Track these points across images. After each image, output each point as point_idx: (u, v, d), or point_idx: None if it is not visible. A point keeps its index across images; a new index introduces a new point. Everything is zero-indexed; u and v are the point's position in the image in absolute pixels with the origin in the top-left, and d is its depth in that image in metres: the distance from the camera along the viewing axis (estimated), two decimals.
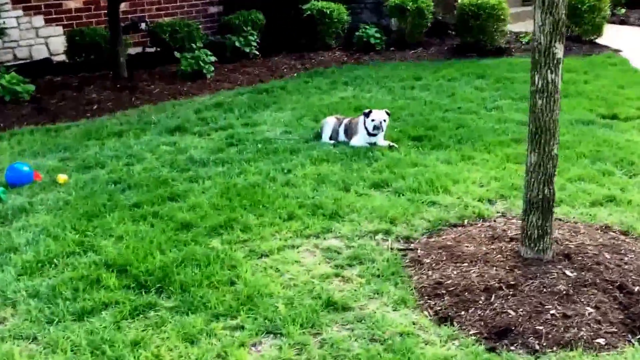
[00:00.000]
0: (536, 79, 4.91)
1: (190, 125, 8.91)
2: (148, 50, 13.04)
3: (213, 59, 11.59)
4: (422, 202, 6.42)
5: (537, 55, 4.86)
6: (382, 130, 7.98)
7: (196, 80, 11.22)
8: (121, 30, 11.25)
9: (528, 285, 4.82)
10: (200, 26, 12.97)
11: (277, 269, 5.29)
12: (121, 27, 11.41)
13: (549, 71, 4.82)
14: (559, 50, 4.79)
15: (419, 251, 5.56)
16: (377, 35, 13.57)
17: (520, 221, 5.95)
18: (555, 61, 4.81)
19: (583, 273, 4.92)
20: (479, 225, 6.02)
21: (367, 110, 8.06)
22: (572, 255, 5.15)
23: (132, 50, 12.94)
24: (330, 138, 8.21)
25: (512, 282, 4.87)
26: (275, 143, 8.09)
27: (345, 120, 8.27)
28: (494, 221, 6.12)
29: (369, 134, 8.00)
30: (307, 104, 9.88)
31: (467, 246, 5.51)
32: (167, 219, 6.10)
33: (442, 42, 14.28)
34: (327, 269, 5.28)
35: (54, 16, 12.37)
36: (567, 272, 4.93)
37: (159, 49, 12.61)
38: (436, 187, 6.71)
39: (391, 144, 8.00)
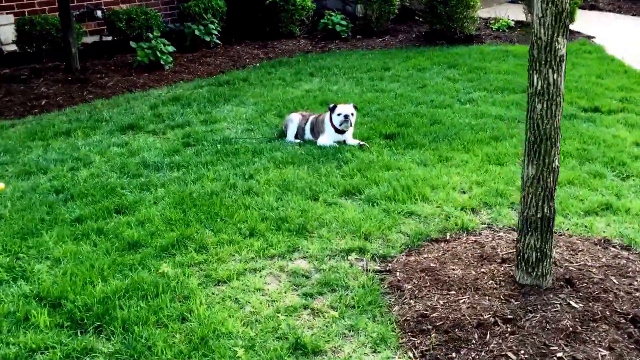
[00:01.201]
0: (535, 79, 4.07)
1: (145, 122, 7.93)
2: (105, 39, 11.97)
3: (171, 48, 10.56)
4: (399, 213, 5.58)
5: (536, 51, 4.02)
6: (351, 125, 7.09)
7: (153, 72, 10.19)
8: (73, 18, 10.17)
9: (528, 319, 4.02)
10: (159, 14, 11.90)
11: (236, 299, 4.42)
12: (73, 14, 10.33)
13: (550, 70, 3.99)
14: (562, 45, 3.96)
15: (398, 274, 4.73)
16: (343, 22, 12.65)
17: (509, 235, 5.17)
18: (557, 59, 3.98)
19: (590, 304, 4.13)
20: (464, 240, 5.21)
21: (331, 105, 7.17)
22: (575, 281, 4.35)
23: (89, 39, 11.86)
24: (296, 136, 7.32)
25: (510, 316, 4.07)
26: (235, 143, 7.17)
27: (311, 117, 7.37)
28: (480, 234, 5.32)
29: (337, 131, 7.12)
30: (270, 97, 8.94)
31: (453, 269, 4.69)
32: (112, 236, 5.17)
33: (409, 29, 13.41)
34: (294, 298, 4.42)
35: (4, 4, 11.20)
36: (572, 303, 4.14)
37: (116, 38, 11.52)
38: (413, 195, 5.88)
39: (361, 142, 7.13)
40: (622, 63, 10.51)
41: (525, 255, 4.35)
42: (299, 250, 5.01)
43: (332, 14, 12.79)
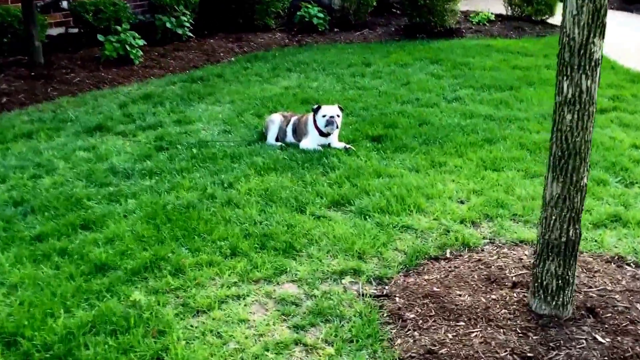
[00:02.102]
0: (565, 86, 3.53)
1: (114, 123, 7.25)
2: (71, 31, 11.18)
3: (141, 42, 9.83)
4: (394, 227, 5.04)
5: (567, 54, 3.48)
6: (337, 128, 6.52)
7: (122, 67, 9.46)
8: (37, 10, 9.39)
9: (551, 358, 3.49)
10: (127, 5, 11.13)
11: (218, 333, 3.83)
12: (37, 5, 9.55)
13: (583, 76, 3.46)
14: (598, 47, 3.42)
15: (397, 299, 4.19)
16: (320, 15, 12.04)
17: (514, 252, 4.65)
18: (593, 63, 3.45)
19: (618, 338, 3.63)
20: (466, 258, 4.68)
21: (315, 106, 6.58)
22: (598, 310, 3.85)
23: (54, 31, 11.06)
24: (277, 139, 6.72)
25: (530, 354, 3.55)
26: (212, 147, 6.54)
27: (294, 118, 6.77)
28: (482, 250, 4.81)
29: (322, 134, 6.54)
30: (247, 95, 8.32)
31: (460, 294, 4.16)
32: (77, 257, 4.54)
33: (388, 22, 12.86)
34: (284, 331, 3.85)
35: None
36: (598, 337, 3.63)
37: (82, 30, 10.74)
38: (408, 206, 5.34)
39: (347, 145, 6.56)
40: (608, 59, 10.08)
41: (544, 283, 3.83)
42: (286, 272, 4.43)
43: (309, 6, 12.17)
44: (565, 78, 3.49)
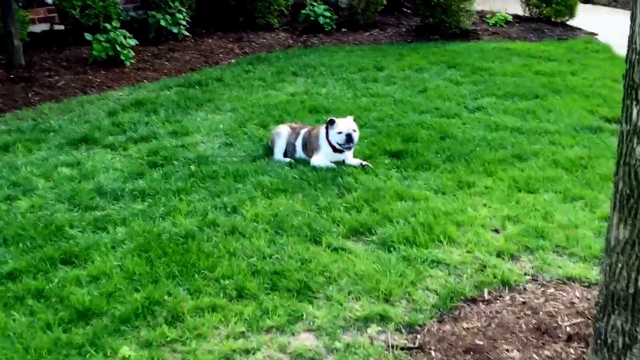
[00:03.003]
0: (635, 112, 2.99)
1: (102, 134, 6.69)
2: (57, 27, 10.60)
3: (133, 42, 9.26)
4: (423, 262, 4.50)
5: (637, 74, 2.93)
6: (354, 144, 5.99)
7: (112, 69, 8.88)
8: (18, 5, 8.82)
9: None
10: (118, 0, 10.52)
11: None
12: (19, 0, 8.98)
13: None
14: None
15: (433, 353, 3.66)
16: (327, 14, 11.48)
17: (563, 293, 4.12)
18: None
19: None
20: (508, 300, 4.16)
21: (329, 119, 6.03)
22: None
23: (37, 28, 10.49)
24: (285, 154, 6.17)
25: None
26: (213, 163, 5.99)
27: (303, 131, 6.23)
28: (525, 290, 4.29)
29: (335, 150, 5.99)
30: (250, 102, 7.76)
31: (507, 349, 3.63)
32: (56, 301, 3.99)
33: (398, 22, 12.32)
34: None
35: None
36: None
37: (69, 27, 10.17)
38: (437, 236, 4.80)
39: (364, 163, 6.02)
40: None
41: (608, 340, 3.29)
42: (302, 319, 3.89)
43: (315, 3, 11.62)
44: (634, 103, 2.95)
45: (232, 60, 9.74)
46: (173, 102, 7.67)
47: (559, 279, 4.41)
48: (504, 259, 4.61)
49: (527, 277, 4.43)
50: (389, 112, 7.52)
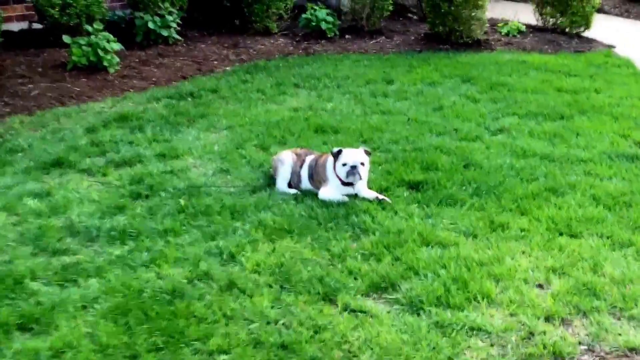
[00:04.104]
0: None
1: (78, 155, 5.85)
2: (36, 26, 9.74)
3: (118, 46, 8.41)
4: (459, 329, 3.76)
5: None
6: (361, 178, 5.20)
7: (94, 76, 8.02)
8: None
9: None
10: None
11: None
12: None
13: None
14: None
15: None
16: (329, 19, 10.67)
17: None
18: None
19: None
20: None
21: (335, 150, 5.25)
22: None
23: (14, 26, 9.66)
24: (290, 184, 5.38)
25: None
26: (207, 194, 5.19)
27: (309, 159, 5.44)
28: None
29: (344, 183, 5.21)
30: (248, 118, 6.97)
31: None
32: None
33: (405, 29, 11.54)
34: None
35: None
36: None
37: (48, 27, 9.30)
38: (472, 294, 4.05)
39: (380, 197, 5.23)
40: None
41: None
42: None
43: (316, 7, 10.81)
44: None
45: (228, 68, 8.92)
46: (162, 117, 6.86)
47: (620, 352, 3.69)
48: (553, 324, 3.87)
49: (583, 348, 3.69)
50: (403, 133, 6.74)
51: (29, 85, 7.58)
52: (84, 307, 3.75)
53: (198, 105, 7.32)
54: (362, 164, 5.19)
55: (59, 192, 5.10)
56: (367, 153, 5.34)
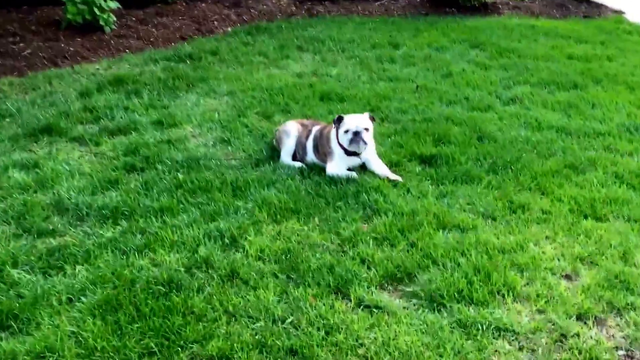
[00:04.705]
0: None
1: (70, 122, 5.28)
2: None
3: (114, 4, 7.72)
4: (484, 329, 3.26)
5: None
6: (365, 144, 4.62)
7: (89, 36, 7.38)
8: None
9: None
10: None
11: None
12: None
13: None
14: None
15: None
16: None
17: None
18: None
19: None
20: None
21: (338, 116, 4.68)
22: None
23: None
24: (294, 157, 4.83)
25: None
26: (206, 168, 4.64)
27: (315, 129, 4.89)
28: None
29: (348, 153, 4.65)
30: (250, 83, 6.38)
31: None
32: None
33: None
34: None
35: None
36: None
37: None
38: (496, 287, 3.55)
39: (391, 176, 4.66)
40: None
41: None
42: None
43: None
44: None
45: (229, 29, 8.29)
46: (159, 80, 6.25)
47: None
48: (586, 322, 3.39)
49: (620, 354, 3.21)
50: (411, 101, 6.18)
51: (21, 44, 6.94)
52: (70, 300, 3.23)
53: (197, 68, 6.71)
54: (366, 129, 4.61)
55: (47, 163, 4.53)
56: (372, 119, 4.76)
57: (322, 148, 4.77)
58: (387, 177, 4.62)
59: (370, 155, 4.77)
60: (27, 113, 5.36)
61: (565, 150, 5.33)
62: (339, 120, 4.65)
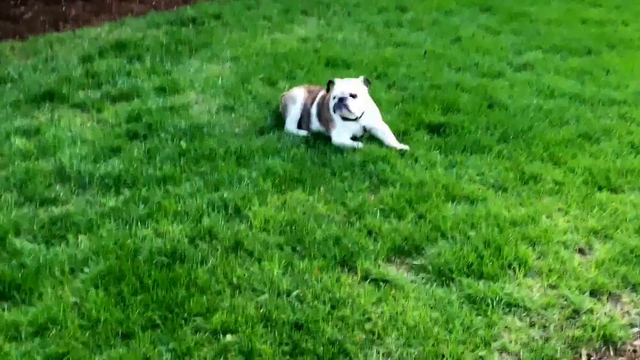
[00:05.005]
0: None
1: (71, 87, 5.20)
2: None
3: None
4: (494, 304, 3.19)
5: None
6: (349, 112, 4.47)
7: None
8: None
9: None
10: None
11: None
12: None
13: None
14: None
15: None
16: None
17: None
18: None
19: None
20: None
21: (329, 81, 4.59)
22: None
23: None
24: (300, 124, 4.74)
25: None
26: (210, 136, 4.57)
27: (319, 95, 4.77)
28: (635, 352, 2.99)
29: (344, 118, 4.53)
30: (254, 48, 6.26)
31: None
32: None
33: None
34: None
35: None
36: None
37: None
38: (507, 260, 3.47)
39: (400, 146, 4.56)
40: None
41: None
42: None
43: None
44: None
45: None
46: (162, 45, 6.15)
47: None
48: (600, 298, 3.31)
49: (635, 331, 3.14)
50: (420, 67, 6.07)
51: (22, 7, 6.82)
52: (72, 270, 3.19)
53: (200, 32, 6.59)
54: (353, 95, 4.48)
55: (49, 129, 4.47)
56: (367, 83, 4.63)
57: (324, 115, 4.67)
58: (395, 146, 4.52)
59: (375, 122, 4.65)
60: (28, 78, 5.28)
61: (579, 118, 5.21)
62: (330, 84, 4.55)
